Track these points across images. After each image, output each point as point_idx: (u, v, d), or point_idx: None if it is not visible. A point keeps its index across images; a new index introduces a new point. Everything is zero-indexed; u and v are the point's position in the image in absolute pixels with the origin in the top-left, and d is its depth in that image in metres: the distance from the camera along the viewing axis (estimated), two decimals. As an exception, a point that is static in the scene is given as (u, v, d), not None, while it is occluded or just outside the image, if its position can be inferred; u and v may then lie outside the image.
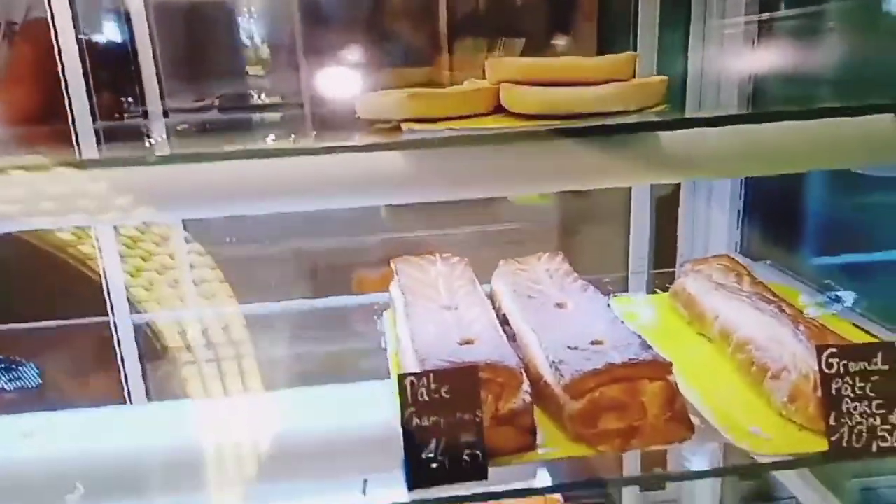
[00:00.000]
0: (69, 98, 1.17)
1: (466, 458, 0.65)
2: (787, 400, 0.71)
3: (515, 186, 0.78)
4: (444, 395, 0.66)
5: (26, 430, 0.90)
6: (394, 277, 1.02)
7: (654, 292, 1.11)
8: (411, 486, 0.65)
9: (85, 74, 1.16)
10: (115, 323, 1.22)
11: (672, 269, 1.22)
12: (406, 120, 0.78)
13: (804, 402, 0.70)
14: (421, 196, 0.78)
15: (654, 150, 0.73)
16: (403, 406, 0.65)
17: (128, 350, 1.23)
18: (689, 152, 0.73)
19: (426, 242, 1.76)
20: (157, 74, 1.26)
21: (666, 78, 0.79)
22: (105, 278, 1.20)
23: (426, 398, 0.65)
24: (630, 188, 1.41)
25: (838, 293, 1.02)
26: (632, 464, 0.95)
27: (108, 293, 1.22)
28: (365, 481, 0.72)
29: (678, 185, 1.38)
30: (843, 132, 0.74)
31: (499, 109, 0.83)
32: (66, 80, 1.16)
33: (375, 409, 0.85)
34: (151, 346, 1.25)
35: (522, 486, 0.68)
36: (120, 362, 1.23)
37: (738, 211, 1.29)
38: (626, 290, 1.18)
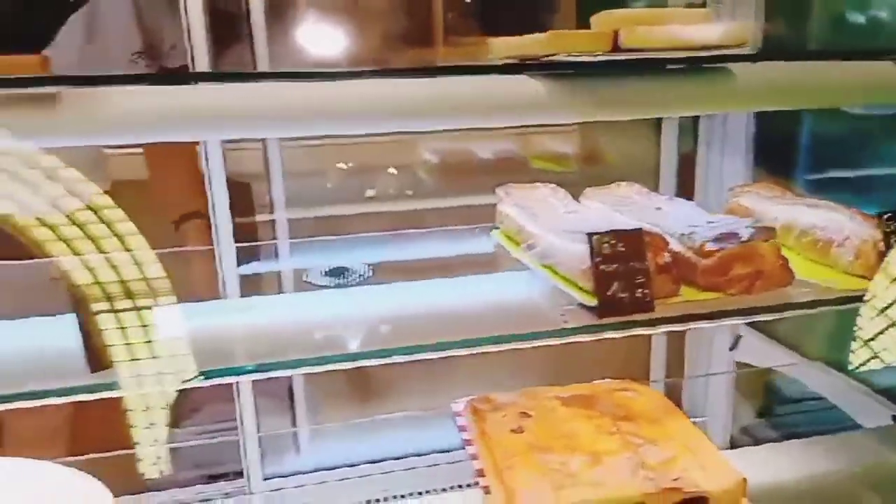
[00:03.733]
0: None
1: (638, 295, 0.86)
2: (853, 258, 0.96)
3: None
4: (619, 248, 0.86)
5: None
6: (503, 199, 1.22)
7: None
8: (600, 316, 0.85)
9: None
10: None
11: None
12: (545, 55, 0.98)
13: (866, 260, 0.94)
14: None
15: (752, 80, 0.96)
16: (592, 256, 0.85)
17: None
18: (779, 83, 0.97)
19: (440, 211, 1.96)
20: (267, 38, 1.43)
21: (749, 22, 1.03)
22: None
23: (608, 251, 0.86)
24: (658, 146, 1.66)
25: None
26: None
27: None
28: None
29: (696, 141, 1.63)
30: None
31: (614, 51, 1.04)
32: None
33: (527, 287, 1.05)
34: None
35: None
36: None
37: (751, 159, 1.56)
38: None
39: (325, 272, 1.40)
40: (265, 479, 1.55)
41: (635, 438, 1.08)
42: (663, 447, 1.05)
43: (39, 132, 0.78)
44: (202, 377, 0.83)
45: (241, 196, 1.51)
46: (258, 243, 1.59)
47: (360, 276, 1.29)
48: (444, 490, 1.13)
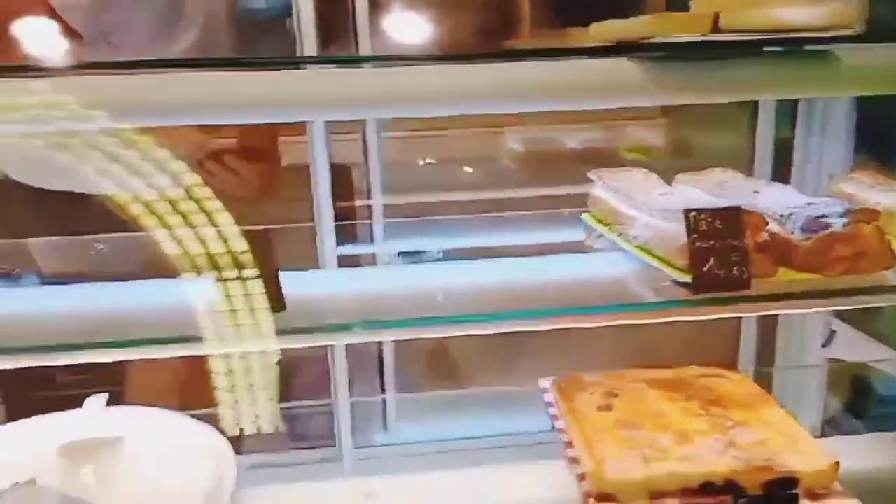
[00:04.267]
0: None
1: (735, 272, 0.87)
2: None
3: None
4: (717, 226, 0.88)
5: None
6: (595, 183, 1.24)
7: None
8: (695, 291, 0.87)
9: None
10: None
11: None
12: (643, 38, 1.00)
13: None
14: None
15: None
16: (689, 233, 0.87)
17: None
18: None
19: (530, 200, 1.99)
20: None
21: (856, 3, 1.02)
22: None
23: (705, 228, 0.87)
24: (752, 136, 1.63)
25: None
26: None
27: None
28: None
29: (794, 128, 1.60)
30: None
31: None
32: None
33: (619, 267, 1.07)
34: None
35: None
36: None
37: (852, 146, 1.51)
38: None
39: (399, 254, 1.47)
40: (356, 448, 1.63)
41: (725, 421, 1.09)
42: (754, 430, 1.06)
43: (147, 114, 0.88)
44: (302, 334, 0.91)
45: (342, 178, 1.59)
46: (355, 222, 1.68)
47: (435, 258, 1.35)
48: (530, 465, 1.16)
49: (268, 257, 0.87)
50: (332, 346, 1.45)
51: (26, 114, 0.83)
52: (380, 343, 1.82)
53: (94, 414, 1.13)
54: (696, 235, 0.87)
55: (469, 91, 0.95)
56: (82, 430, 1.09)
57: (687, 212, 0.87)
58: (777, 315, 1.54)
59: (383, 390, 1.79)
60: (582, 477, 1.02)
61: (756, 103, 1.67)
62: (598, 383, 1.22)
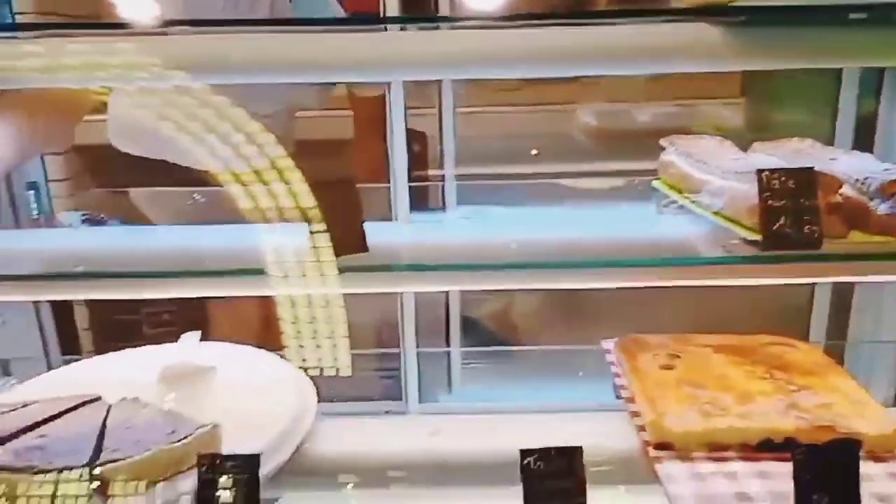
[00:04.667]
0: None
1: (806, 231, 0.88)
2: None
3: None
4: (789, 185, 0.89)
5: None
6: (667, 149, 1.26)
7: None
8: (765, 248, 0.89)
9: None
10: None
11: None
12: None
13: None
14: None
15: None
16: (761, 191, 0.89)
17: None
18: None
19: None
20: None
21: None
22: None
23: (777, 187, 0.89)
24: (832, 112, 1.61)
25: None
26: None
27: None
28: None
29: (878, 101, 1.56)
30: None
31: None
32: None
33: (689, 229, 1.10)
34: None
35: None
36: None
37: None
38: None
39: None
40: (420, 404, 1.70)
41: (789, 385, 1.10)
42: (819, 395, 1.06)
43: (234, 71, 0.96)
44: (380, 272, 0.97)
45: (418, 142, 1.66)
46: (427, 183, 1.74)
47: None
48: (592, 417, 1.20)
49: (352, 199, 0.94)
50: (401, 298, 1.51)
51: (116, 73, 0.92)
52: (447, 306, 1.89)
53: (190, 347, 1.24)
54: (767, 194, 0.88)
55: (549, 53, 0.99)
56: (180, 359, 1.20)
57: (760, 171, 0.89)
58: (851, 290, 1.52)
59: (448, 356, 1.86)
60: (642, 428, 1.06)
61: (838, 81, 1.64)
62: (661, 345, 1.25)
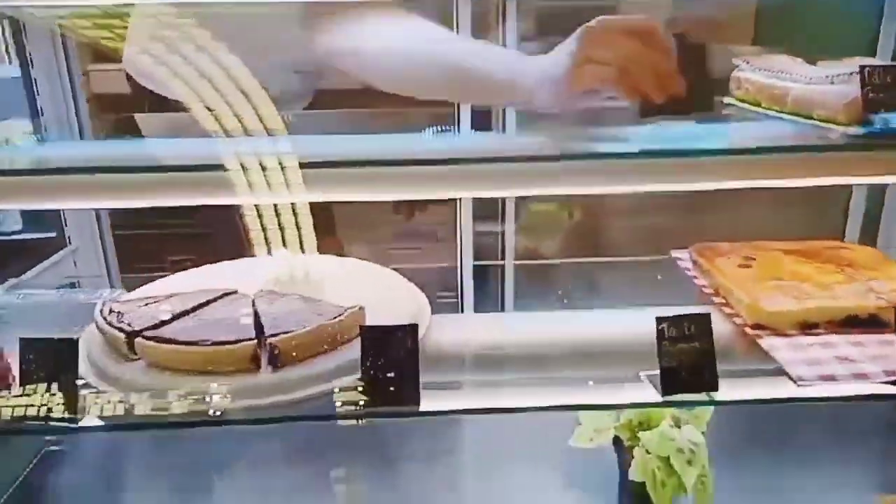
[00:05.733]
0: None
1: (903, 122, 0.98)
2: None
3: None
4: (889, 81, 0.98)
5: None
6: (741, 67, 1.35)
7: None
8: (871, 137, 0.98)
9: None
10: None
11: None
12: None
13: None
14: None
15: None
16: (863, 85, 0.98)
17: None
18: None
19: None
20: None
21: None
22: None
23: (878, 81, 0.98)
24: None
25: None
26: None
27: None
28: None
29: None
30: None
31: None
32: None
33: (774, 130, 1.18)
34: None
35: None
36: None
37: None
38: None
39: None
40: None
41: (861, 276, 1.21)
42: (889, 283, 1.18)
43: None
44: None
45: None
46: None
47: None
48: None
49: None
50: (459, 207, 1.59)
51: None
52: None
53: (288, 257, 1.29)
54: (869, 87, 0.98)
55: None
56: (287, 266, 1.25)
57: (862, 67, 0.98)
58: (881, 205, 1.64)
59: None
60: (734, 315, 1.16)
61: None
62: (733, 250, 1.35)
